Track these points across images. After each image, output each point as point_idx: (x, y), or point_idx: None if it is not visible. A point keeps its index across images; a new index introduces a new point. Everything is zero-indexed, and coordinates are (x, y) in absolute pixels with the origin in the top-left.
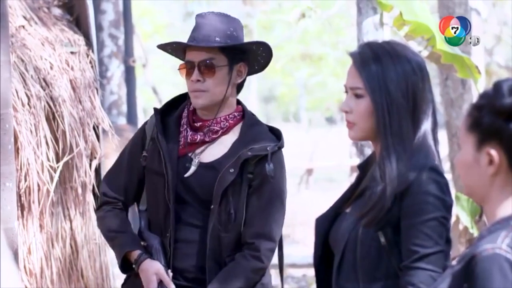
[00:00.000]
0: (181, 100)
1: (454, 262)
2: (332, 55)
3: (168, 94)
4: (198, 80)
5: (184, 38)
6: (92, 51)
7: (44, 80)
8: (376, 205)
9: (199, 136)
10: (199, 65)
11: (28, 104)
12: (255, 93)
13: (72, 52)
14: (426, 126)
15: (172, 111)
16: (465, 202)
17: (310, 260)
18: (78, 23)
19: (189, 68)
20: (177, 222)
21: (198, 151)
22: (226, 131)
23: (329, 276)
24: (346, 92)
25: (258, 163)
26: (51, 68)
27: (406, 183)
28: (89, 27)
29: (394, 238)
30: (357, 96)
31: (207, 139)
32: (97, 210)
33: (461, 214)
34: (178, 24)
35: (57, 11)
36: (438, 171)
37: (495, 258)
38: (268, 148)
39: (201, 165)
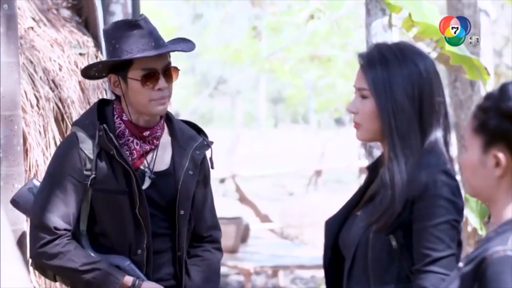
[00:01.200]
0: (98, 112)
1: (461, 264)
2: (341, 57)
3: (176, 95)
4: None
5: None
6: (101, 53)
7: (53, 81)
8: (386, 211)
9: (147, 146)
10: (164, 71)
11: (37, 105)
12: (264, 94)
13: (81, 54)
14: (436, 128)
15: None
16: (474, 203)
17: (319, 261)
18: (87, 25)
19: (150, 77)
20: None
21: (148, 161)
22: (161, 133)
23: (338, 278)
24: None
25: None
26: (60, 69)
27: (420, 187)
28: (98, 29)
29: (406, 241)
30: (363, 97)
31: (152, 147)
32: (45, 246)
33: (470, 216)
34: (187, 26)
35: (66, 13)
36: (449, 174)
37: (506, 260)
38: (205, 143)
39: (156, 174)
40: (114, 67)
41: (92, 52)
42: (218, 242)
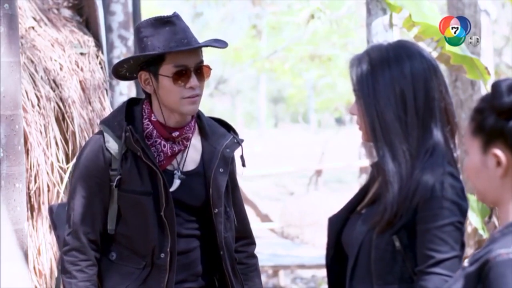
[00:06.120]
0: (126, 111)
1: (465, 263)
2: (341, 56)
3: None
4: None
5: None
6: (102, 52)
7: (54, 81)
8: (385, 211)
9: (176, 147)
10: (196, 69)
11: (38, 105)
12: (264, 94)
13: (81, 53)
14: (433, 129)
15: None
16: (475, 203)
17: (319, 261)
18: (88, 24)
19: (182, 75)
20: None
21: (177, 161)
22: (192, 134)
23: (341, 276)
24: None
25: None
26: (61, 69)
27: (428, 190)
28: (99, 28)
29: (409, 242)
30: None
31: (182, 148)
32: (68, 253)
33: (470, 215)
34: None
35: (66, 13)
36: (454, 176)
37: (509, 264)
38: (235, 141)
39: (186, 175)
40: (145, 64)
41: (93, 52)
42: (255, 243)
